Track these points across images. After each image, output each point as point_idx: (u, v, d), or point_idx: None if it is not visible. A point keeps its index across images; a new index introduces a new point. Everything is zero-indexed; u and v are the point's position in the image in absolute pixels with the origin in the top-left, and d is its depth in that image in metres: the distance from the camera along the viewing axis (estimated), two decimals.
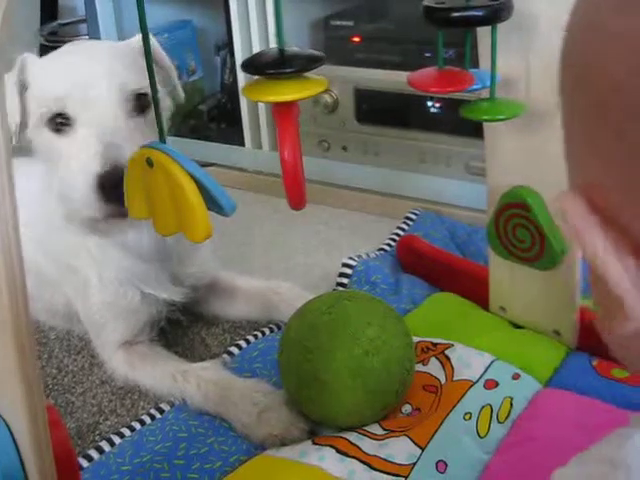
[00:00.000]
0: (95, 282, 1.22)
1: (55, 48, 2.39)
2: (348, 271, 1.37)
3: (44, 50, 2.45)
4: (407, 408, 1.05)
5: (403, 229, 1.55)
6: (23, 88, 1.09)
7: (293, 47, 0.84)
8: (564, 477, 0.39)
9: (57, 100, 1.04)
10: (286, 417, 1.05)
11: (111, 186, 0.98)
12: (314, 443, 0.99)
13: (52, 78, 1.07)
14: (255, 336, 1.27)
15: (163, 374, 1.18)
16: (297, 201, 0.89)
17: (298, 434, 1.04)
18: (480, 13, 0.95)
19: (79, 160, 1.02)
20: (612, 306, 0.36)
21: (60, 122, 1.05)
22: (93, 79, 1.04)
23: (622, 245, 0.35)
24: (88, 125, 1.03)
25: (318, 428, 1.06)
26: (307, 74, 0.82)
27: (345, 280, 1.37)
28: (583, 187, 0.36)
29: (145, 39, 0.76)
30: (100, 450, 1.05)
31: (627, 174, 0.34)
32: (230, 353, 1.24)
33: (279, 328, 1.29)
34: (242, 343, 1.25)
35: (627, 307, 0.35)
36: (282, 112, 0.84)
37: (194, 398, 1.12)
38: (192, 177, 0.74)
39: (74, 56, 1.11)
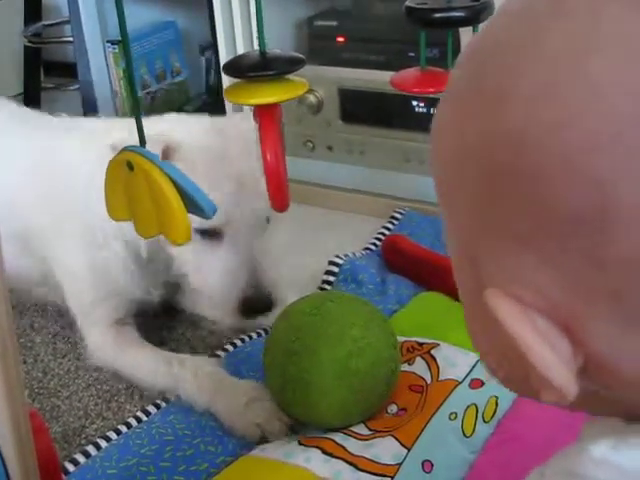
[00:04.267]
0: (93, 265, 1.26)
1: (39, 49, 2.38)
2: (335, 269, 1.37)
3: (28, 51, 2.44)
4: (393, 408, 1.05)
5: (389, 228, 1.55)
6: None
7: (275, 49, 0.84)
8: None
9: (220, 220, 1.08)
10: (269, 408, 1.07)
11: (252, 311, 1.13)
12: (300, 444, 0.99)
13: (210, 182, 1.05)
14: (242, 340, 1.27)
15: (158, 358, 1.19)
16: (280, 203, 0.89)
17: (278, 427, 1.05)
18: (461, 14, 0.96)
19: (229, 274, 1.12)
20: (536, 383, 0.37)
21: (210, 233, 1.12)
22: (244, 200, 1.12)
23: (553, 330, 0.36)
24: (236, 241, 1.12)
25: (300, 426, 1.06)
26: (289, 76, 0.83)
27: (332, 278, 1.37)
28: (509, 285, 0.37)
29: (124, 41, 0.75)
30: (86, 454, 1.05)
31: (574, 276, 0.35)
32: (217, 356, 1.23)
33: (266, 332, 1.29)
34: (229, 347, 1.25)
35: (561, 387, 0.36)
36: (264, 114, 0.84)
37: (188, 386, 1.13)
38: (172, 180, 0.74)
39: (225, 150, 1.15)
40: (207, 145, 1.14)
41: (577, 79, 0.33)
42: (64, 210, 1.26)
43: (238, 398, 1.09)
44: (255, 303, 1.13)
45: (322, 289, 1.34)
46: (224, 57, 1.80)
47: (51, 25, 2.50)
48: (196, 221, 1.07)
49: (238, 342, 1.26)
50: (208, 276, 1.14)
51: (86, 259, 1.26)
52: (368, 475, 0.93)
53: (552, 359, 0.36)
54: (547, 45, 0.34)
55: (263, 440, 1.05)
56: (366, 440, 0.98)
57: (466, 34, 1.02)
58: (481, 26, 0.94)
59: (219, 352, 1.24)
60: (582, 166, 0.33)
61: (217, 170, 1.11)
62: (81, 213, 1.23)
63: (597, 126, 0.32)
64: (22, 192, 1.30)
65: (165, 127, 1.14)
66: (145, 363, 1.20)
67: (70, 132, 1.36)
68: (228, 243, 1.13)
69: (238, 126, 1.18)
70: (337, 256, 1.40)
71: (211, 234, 1.12)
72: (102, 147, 1.18)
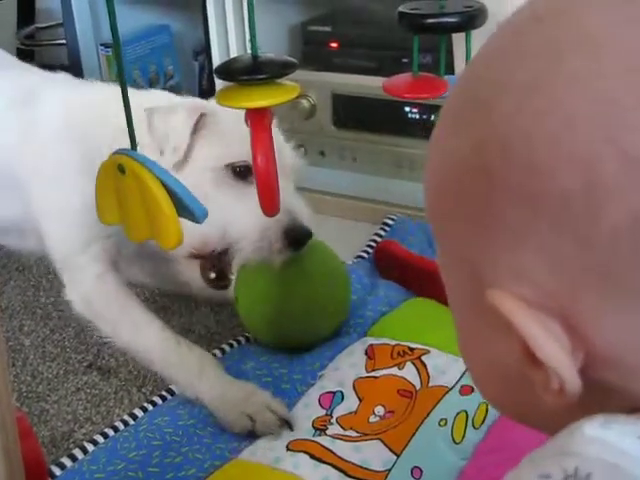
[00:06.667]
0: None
1: (32, 52, 2.38)
2: None
3: (21, 53, 2.44)
4: (380, 410, 1.05)
5: (380, 235, 1.54)
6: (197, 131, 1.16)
7: (267, 53, 0.84)
8: (517, 478, 0.39)
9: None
10: (263, 400, 1.07)
11: (295, 238, 1.13)
12: (288, 449, 0.99)
13: (245, 136, 1.00)
14: (230, 345, 1.26)
15: (166, 334, 1.15)
16: (270, 207, 0.89)
17: (269, 418, 1.05)
18: (454, 19, 0.96)
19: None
20: (529, 391, 0.39)
21: (241, 170, 1.14)
22: (283, 149, 1.17)
23: (555, 326, 0.38)
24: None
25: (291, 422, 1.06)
26: (281, 80, 0.82)
27: None
28: (508, 283, 0.39)
29: (116, 43, 0.75)
30: (73, 458, 1.04)
31: (568, 259, 0.37)
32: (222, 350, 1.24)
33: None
34: (217, 352, 1.24)
35: (567, 382, 0.38)
36: (255, 118, 0.84)
37: (191, 370, 1.11)
38: (163, 184, 0.74)
39: None
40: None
41: (555, 74, 0.37)
42: (53, 147, 1.22)
43: (234, 392, 1.09)
44: (297, 233, 1.13)
45: None
46: (217, 61, 1.80)
47: (44, 28, 2.50)
48: (228, 156, 1.13)
49: (227, 348, 1.25)
50: (245, 214, 1.12)
51: (78, 196, 1.17)
52: None
53: (560, 354, 0.37)
54: (528, 49, 0.39)
55: (252, 434, 1.05)
56: (354, 442, 0.98)
57: (459, 40, 1.02)
58: (474, 32, 0.94)
59: (224, 346, 1.25)
60: (566, 146, 0.36)
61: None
62: (75, 149, 1.20)
63: (574, 108, 0.36)
64: (5, 130, 1.27)
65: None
66: (150, 329, 1.16)
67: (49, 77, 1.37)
68: None
69: None
70: None
71: (241, 171, 1.13)
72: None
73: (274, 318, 1.19)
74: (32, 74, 1.40)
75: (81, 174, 1.17)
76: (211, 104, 1.18)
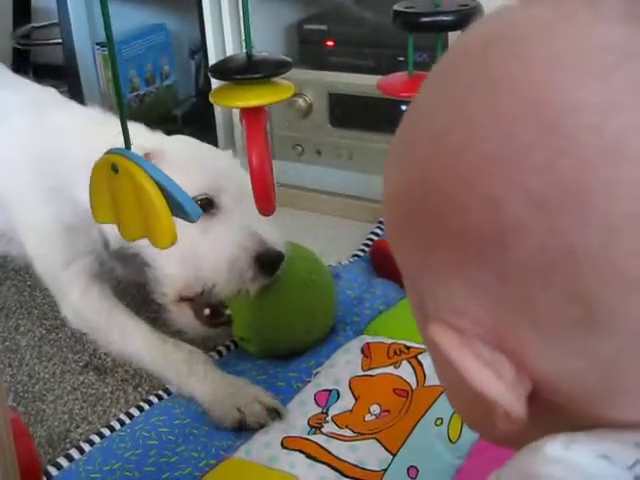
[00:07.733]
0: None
1: (28, 51, 2.38)
2: None
3: (17, 53, 2.43)
4: (375, 409, 1.05)
5: (377, 234, 1.54)
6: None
7: (262, 52, 0.84)
8: None
9: (211, 189, 1.13)
10: (252, 392, 1.09)
11: (267, 263, 1.12)
12: (283, 447, 0.99)
13: (200, 169, 1.14)
14: (227, 347, 1.26)
15: (153, 337, 1.18)
16: (266, 206, 0.89)
17: (258, 409, 1.06)
18: (449, 18, 0.95)
19: (235, 238, 1.12)
20: (488, 414, 0.40)
21: (202, 204, 1.12)
22: (241, 176, 1.15)
23: (496, 356, 0.38)
24: (236, 213, 1.14)
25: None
26: (276, 79, 0.82)
27: None
28: (447, 316, 0.40)
29: (110, 43, 0.75)
30: (70, 458, 1.04)
31: (493, 293, 0.38)
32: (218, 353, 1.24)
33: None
34: (214, 355, 1.23)
35: (510, 411, 0.39)
36: (250, 117, 0.84)
37: (180, 369, 1.13)
38: (157, 183, 0.73)
39: (211, 152, 1.26)
40: (188, 145, 1.23)
41: (460, 118, 0.38)
42: (33, 170, 1.24)
43: (225, 387, 1.10)
44: (269, 258, 1.12)
45: None
46: (214, 60, 1.80)
47: (40, 27, 2.49)
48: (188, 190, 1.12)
49: (215, 355, 1.25)
50: (212, 248, 1.12)
51: (53, 220, 1.23)
52: None
53: (495, 384, 0.38)
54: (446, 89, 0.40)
55: (242, 426, 1.05)
56: (350, 441, 0.98)
57: (455, 39, 1.01)
58: None
59: (221, 348, 1.25)
60: (477, 187, 0.37)
61: (205, 157, 1.19)
62: (51, 172, 1.22)
63: (480, 150, 0.37)
64: None
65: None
66: (137, 334, 1.19)
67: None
68: (225, 211, 1.14)
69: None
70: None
71: (202, 205, 1.11)
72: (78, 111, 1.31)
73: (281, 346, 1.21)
74: (14, 94, 1.39)
75: (53, 199, 1.22)
76: (162, 142, 1.21)
